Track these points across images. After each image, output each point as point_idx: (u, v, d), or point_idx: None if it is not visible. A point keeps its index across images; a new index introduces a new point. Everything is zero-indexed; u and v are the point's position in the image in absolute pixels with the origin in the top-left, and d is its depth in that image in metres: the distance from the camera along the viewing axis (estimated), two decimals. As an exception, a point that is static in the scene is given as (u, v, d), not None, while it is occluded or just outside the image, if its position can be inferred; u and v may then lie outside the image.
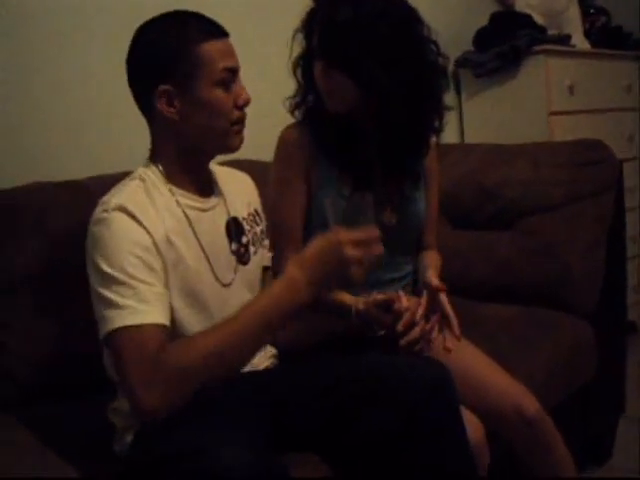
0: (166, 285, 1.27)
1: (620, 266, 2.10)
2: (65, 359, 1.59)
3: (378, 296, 1.43)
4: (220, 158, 1.47)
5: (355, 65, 1.46)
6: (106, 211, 1.26)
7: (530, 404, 1.49)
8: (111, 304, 1.20)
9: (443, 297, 1.47)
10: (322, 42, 1.50)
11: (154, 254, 1.25)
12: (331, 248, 1.22)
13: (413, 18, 1.52)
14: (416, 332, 1.42)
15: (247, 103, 1.35)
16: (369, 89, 1.47)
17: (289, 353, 1.56)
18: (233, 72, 1.33)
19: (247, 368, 1.43)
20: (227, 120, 1.33)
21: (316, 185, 1.60)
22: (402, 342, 1.41)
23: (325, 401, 1.33)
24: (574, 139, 2.17)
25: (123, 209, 1.25)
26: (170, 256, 1.29)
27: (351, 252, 1.20)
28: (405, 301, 1.42)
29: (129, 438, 1.33)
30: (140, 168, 1.38)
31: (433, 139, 1.65)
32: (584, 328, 1.95)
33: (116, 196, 1.28)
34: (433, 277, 1.54)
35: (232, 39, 1.34)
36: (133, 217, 1.25)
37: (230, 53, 1.33)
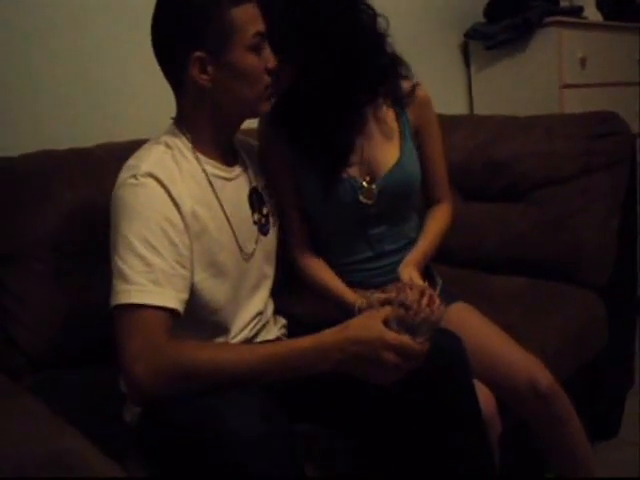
0: (187, 264, 1.23)
1: (632, 241, 2.08)
2: (77, 328, 1.58)
3: (380, 295, 1.35)
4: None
5: (273, 36, 1.38)
6: (134, 177, 1.23)
7: (543, 377, 1.48)
8: (123, 276, 1.17)
9: (415, 280, 1.43)
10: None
11: (180, 230, 1.23)
12: (374, 345, 1.14)
13: None
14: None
15: (276, 68, 1.34)
16: (289, 58, 1.41)
17: (301, 325, 1.55)
18: (263, 37, 1.32)
19: (257, 339, 1.43)
20: (260, 84, 1.33)
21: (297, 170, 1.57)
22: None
23: (338, 373, 1.32)
24: (588, 111, 2.14)
25: (154, 176, 1.23)
26: (194, 228, 1.27)
27: (390, 358, 1.14)
28: (408, 295, 1.32)
29: (139, 407, 1.33)
30: (164, 135, 1.35)
31: (422, 92, 1.60)
32: (595, 302, 1.94)
33: (145, 162, 1.26)
34: (405, 270, 1.49)
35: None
36: (163, 186, 1.23)
37: (259, 17, 1.31)
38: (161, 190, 1.23)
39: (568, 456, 1.55)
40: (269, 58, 1.33)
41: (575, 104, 2.77)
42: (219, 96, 1.30)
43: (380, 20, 1.51)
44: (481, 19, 2.97)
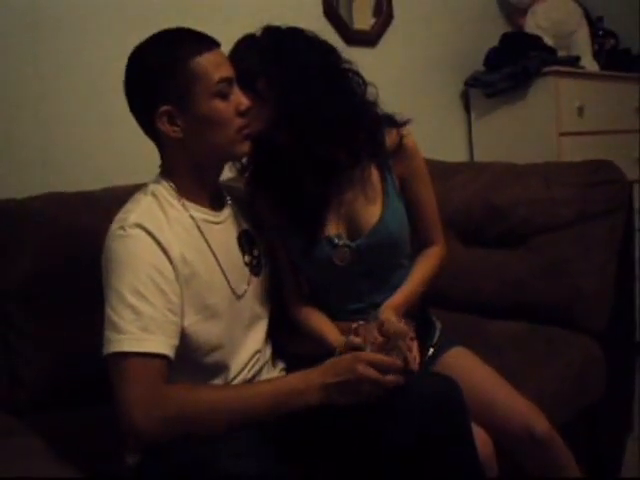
0: (177, 310, 1.26)
1: (630, 286, 2.10)
2: (78, 365, 1.60)
3: (355, 339, 1.38)
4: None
5: (252, 86, 1.41)
6: (123, 228, 1.26)
7: (540, 423, 1.48)
8: (114, 326, 1.20)
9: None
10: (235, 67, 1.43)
11: (169, 278, 1.26)
12: (349, 361, 1.23)
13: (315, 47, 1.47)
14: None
15: (248, 109, 1.36)
16: (267, 104, 1.42)
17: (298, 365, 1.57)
18: (229, 81, 1.33)
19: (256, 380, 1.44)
20: (231, 129, 1.34)
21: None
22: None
23: (333, 414, 1.33)
24: (585, 159, 2.18)
25: (141, 227, 1.26)
26: (185, 272, 1.29)
27: (365, 371, 1.21)
28: (376, 337, 1.35)
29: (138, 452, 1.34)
30: (151, 184, 1.38)
31: (406, 140, 1.58)
32: (593, 347, 1.95)
33: (133, 213, 1.29)
34: (384, 313, 1.47)
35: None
36: (151, 235, 1.26)
37: (223, 63, 1.33)
38: (149, 239, 1.26)
39: None
40: (239, 101, 1.34)
41: (572, 152, 2.82)
42: (194, 145, 1.33)
43: (370, 89, 1.53)
44: (481, 67, 3.03)
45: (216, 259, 1.37)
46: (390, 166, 1.59)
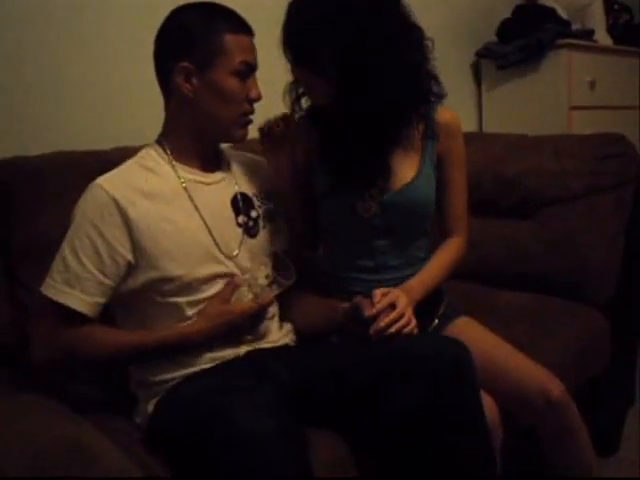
0: (112, 272, 1.35)
1: (637, 260, 2.10)
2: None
3: (344, 305, 1.47)
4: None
5: (313, 60, 1.45)
6: (89, 188, 1.37)
7: (555, 386, 1.48)
8: (50, 270, 1.35)
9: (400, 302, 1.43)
10: (284, 40, 1.49)
11: (109, 242, 1.34)
12: (218, 304, 1.40)
13: (374, 9, 1.44)
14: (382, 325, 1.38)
15: (258, 99, 1.44)
16: (330, 83, 1.46)
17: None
18: (250, 67, 1.42)
19: (266, 345, 1.46)
20: (236, 109, 1.42)
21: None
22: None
23: (345, 377, 1.35)
24: (595, 132, 2.17)
25: (102, 187, 1.36)
26: (159, 228, 1.36)
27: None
28: (377, 304, 1.40)
29: (150, 408, 1.37)
30: (144, 149, 1.46)
31: (455, 121, 1.62)
32: (599, 320, 1.96)
33: (106, 175, 1.39)
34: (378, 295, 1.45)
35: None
36: (109, 194, 1.34)
37: (250, 50, 1.42)
38: (105, 200, 1.35)
39: (574, 467, 1.54)
40: (252, 88, 1.43)
41: (583, 126, 2.80)
42: (198, 109, 1.41)
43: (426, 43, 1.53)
44: (493, 39, 3.01)
45: (201, 217, 1.42)
46: (434, 137, 1.60)
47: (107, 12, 1.95)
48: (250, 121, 1.47)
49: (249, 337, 1.45)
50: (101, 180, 1.37)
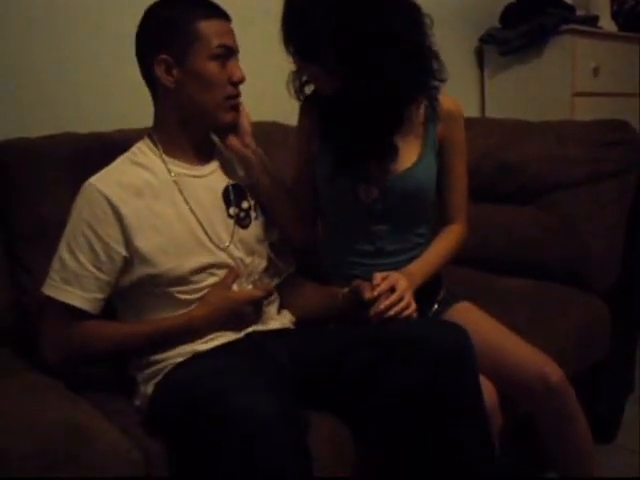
0: (109, 267, 1.37)
1: (638, 247, 2.10)
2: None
3: (344, 290, 1.48)
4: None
5: (315, 55, 1.45)
6: (83, 186, 1.39)
7: (554, 371, 1.49)
8: (50, 269, 1.38)
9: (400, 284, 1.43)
10: (285, 36, 1.49)
11: (103, 239, 1.36)
12: (218, 292, 1.42)
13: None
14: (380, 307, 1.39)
15: (241, 81, 1.45)
16: (334, 76, 1.47)
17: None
18: (229, 50, 1.43)
19: (264, 327, 1.46)
20: (219, 93, 1.43)
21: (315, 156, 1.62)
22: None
23: (345, 359, 1.35)
24: (599, 119, 2.16)
25: (94, 186, 1.39)
26: (148, 221, 1.38)
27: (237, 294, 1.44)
28: (376, 287, 1.40)
29: (149, 390, 1.37)
30: (137, 143, 1.48)
31: (457, 108, 1.63)
32: (600, 307, 1.96)
33: (99, 173, 1.41)
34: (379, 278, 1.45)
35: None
36: (101, 193, 1.37)
37: (227, 33, 1.44)
38: (98, 199, 1.37)
39: (572, 453, 1.55)
40: (234, 71, 1.44)
41: (586, 112, 2.79)
42: (183, 99, 1.43)
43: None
44: (497, 24, 2.99)
45: (192, 211, 1.43)
46: (436, 120, 1.60)
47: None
48: (237, 104, 1.48)
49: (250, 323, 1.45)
50: (94, 179, 1.40)
